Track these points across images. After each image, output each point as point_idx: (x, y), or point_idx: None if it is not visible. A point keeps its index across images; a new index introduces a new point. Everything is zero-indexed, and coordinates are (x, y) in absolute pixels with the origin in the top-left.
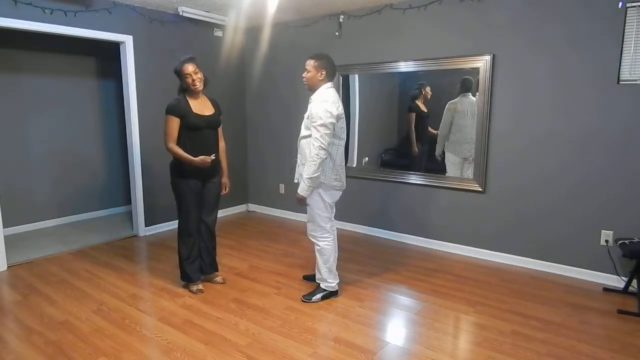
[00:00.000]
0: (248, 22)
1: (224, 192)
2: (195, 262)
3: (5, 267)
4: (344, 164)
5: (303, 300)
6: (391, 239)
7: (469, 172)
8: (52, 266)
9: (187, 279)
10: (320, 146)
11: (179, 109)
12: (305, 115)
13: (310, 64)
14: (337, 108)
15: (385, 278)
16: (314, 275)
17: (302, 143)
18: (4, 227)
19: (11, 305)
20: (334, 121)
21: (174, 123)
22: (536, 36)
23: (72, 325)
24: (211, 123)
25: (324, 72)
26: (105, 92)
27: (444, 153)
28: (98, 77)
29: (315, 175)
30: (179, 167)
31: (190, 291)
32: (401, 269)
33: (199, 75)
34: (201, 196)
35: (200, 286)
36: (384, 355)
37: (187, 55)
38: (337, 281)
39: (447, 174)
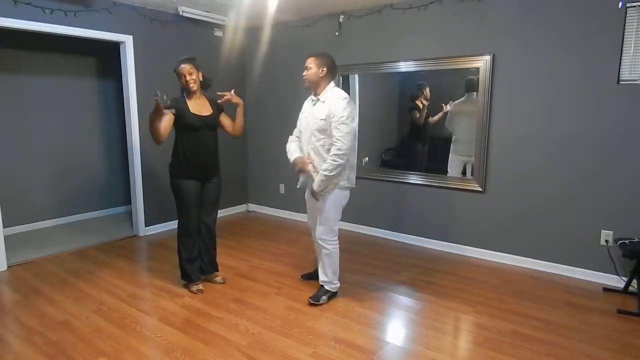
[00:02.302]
0: (248, 22)
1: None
2: (196, 262)
3: (5, 267)
4: (355, 161)
5: (311, 303)
6: (391, 239)
7: (470, 172)
8: (52, 266)
9: (187, 279)
10: (343, 146)
11: (174, 107)
12: (318, 117)
13: (311, 60)
14: (353, 105)
15: (385, 278)
16: (312, 274)
17: (319, 148)
18: (4, 227)
19: (11, 305)
20: (355, 117)
21: (167, 117)
22: (536, 36)
23: (72, 325)
24: (209, 124)
25: (325, 69)
26: (105, 92)
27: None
28: (98, 77)
29: (333, 174)
30: (178, 168)
31: (190, 291)
32: (401, 269)
33: (194, 76)
34: (201, 197)
35: (200, 286)
36: (384, 355)
37: (187, 55)
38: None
39: (448, 174)
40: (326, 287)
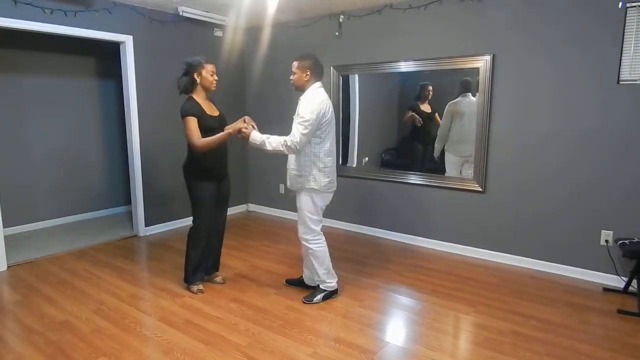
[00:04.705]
0: (248, 22)
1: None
2: (203, 264)
3: (5, 267)
4: (334, 164)
5: (304, 302)
6: (391, 239)
7: (470, 172)
8: (52, 266)
9: (190, 282)
10: (293, 142)
11: (196, 110)
12: (294, 116)
13: (294, 65)
14: (324, 108)
15: (385, 278)
16: (299, 279)
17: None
18: (4, 227)
19: (11, 305)
20: (317, 122)
21: (195, 123)
22: (536, 36)
23: (72, 325)
24: (222, 123)
25: (308, 73)
26: (105, 92)
27: (442, 153)
28: (98, 77)
29: (268, 149)
30: (198, 170)
31: (191, 291)
32: (401, 269)
33: (215, 76)
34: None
35: (200, 286)
36: (384, 355)
37: (202, 55)
38: (336, 279)
39: (446, 174)
40: (322, 287)
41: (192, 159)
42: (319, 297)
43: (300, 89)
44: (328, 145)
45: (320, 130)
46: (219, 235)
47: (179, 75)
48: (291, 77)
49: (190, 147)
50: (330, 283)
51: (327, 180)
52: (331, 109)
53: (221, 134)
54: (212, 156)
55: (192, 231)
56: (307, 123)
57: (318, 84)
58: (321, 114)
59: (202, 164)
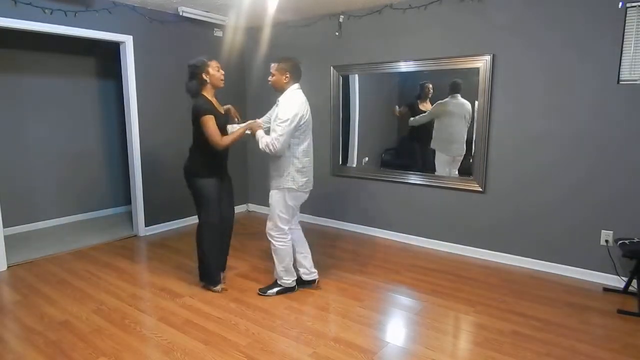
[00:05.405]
0: (248, 22)
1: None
2: (220, 261)
3: (5, 267)
4: (311, 164)
5: (259, 294)
6: (391, 239)
7: (455, 172)
8: (52, 266)
9: (217, 282)
10: (273, 143)
11: (212, 109)
12: (272, 118)
13: (273, 67)
14: (302, 110)
15: (385, 278)
16: (297, 278)
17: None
18: (4, 227)
19: (11, 305)
20: (295, 123)
21: (214, 121)
22: (536, 36)
23: (72, 325)
24: (227, 122)
25: (287, 75)
26: (105, 92)
27: (433, 152)
28: (98, 77)
29: (259, 144)
30: (202, 167)
31: (214, 291)
32: (401, 268)
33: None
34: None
35: (222, 284)
36: (384, 355)
37: (204, 56)
38: (294, 277)
39: (436, 173)
40: (278, 282)
41: (198, 158)
42: (274, 290)
43: (279, 90)
44: (305, 146)
45: (298, 131)
46: (230, 232)
47: (186, 81)
48: (269, 79)
49: (209, 146)
50: (287, 280)
51: (305, 179)
52: (309, 110)
53: (239, 130)
54: (221, 155)
55: (208, 231)
56: (284, 124)
57: (296, 85)
58: (299, 116)
59: (209, 161)
